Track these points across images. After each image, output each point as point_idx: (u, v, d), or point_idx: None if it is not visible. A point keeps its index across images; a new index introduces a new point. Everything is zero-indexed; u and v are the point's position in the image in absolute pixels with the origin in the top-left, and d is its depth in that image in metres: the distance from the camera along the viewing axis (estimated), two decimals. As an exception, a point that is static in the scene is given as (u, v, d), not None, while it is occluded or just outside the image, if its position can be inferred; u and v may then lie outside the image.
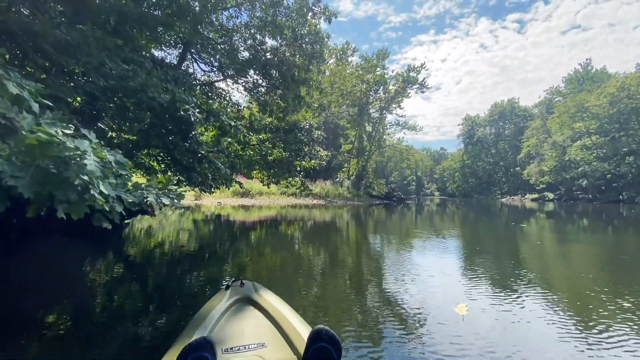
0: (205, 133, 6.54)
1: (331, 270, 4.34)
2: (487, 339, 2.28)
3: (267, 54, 8.60)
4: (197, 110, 4.12)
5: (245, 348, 1.37)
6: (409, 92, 29.50)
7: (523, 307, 2.91)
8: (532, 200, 45.56)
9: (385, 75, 29.05)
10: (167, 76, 4.81)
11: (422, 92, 29.03)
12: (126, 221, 8.77)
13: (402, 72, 28.94)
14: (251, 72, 9.88)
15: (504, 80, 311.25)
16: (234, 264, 4.61)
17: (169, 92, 3.91)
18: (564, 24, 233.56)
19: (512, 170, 61.09)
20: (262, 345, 1.40)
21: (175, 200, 3.04)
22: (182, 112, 4.23)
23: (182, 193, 3.15)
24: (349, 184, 28.91)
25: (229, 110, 9.14)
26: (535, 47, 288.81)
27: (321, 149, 14.22)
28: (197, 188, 6.19)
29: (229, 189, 6.99)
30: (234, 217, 12.45)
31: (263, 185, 14.22)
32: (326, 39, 10.57)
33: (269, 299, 1.83)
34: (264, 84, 9.20)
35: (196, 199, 19.08)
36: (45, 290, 3.27)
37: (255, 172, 13.96)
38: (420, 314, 2.74)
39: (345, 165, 31.45)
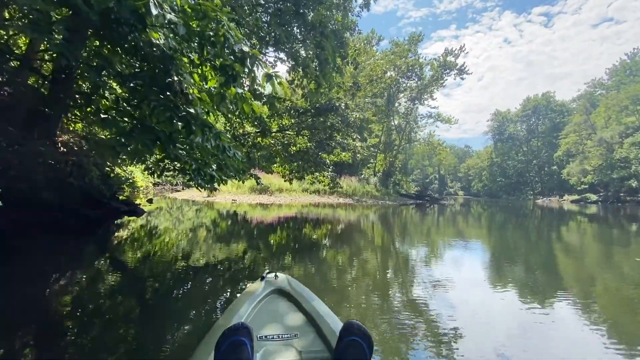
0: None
1: (363, 279, 3.95)
2: (517, 345, 2.23)
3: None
4: (171, 13, 2.08)
5: (278, 337, 1.39)
6: (446, 79, 26.67)
7: (559, 318, 2.76)
8: (572, 202, 41.61)
9: (420, 59, 26.27)
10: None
11: (462, 78, 26.12)
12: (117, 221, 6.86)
13: (439, 56, 26.13)
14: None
15: (529, 75, 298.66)
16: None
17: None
18: (594, 17, 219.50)
19: (546, 169, 56.77)
20: (295, 335, 1.40)
21: None
22: (151, 38, 2.17)
23: None
24: (375, 181, 26.41)
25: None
26: (563, 41, 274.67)
27: (358, 137, 11.92)
28: (193, 182, 4.11)
29: (242, 182, 4.90)
30: (254, 218, 10.39)
31: (285, 181, 12.19)
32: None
33: (302, 292, 1.83)
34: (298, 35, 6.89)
35: (208, 196, 17.24)
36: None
37: (275, 165, 11.92)
38: (451, 319, 2.64)
39: (372, 160, 28.94)
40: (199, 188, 4.29)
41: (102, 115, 2.66)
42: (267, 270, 2.11)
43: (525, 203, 37.71)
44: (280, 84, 2.59)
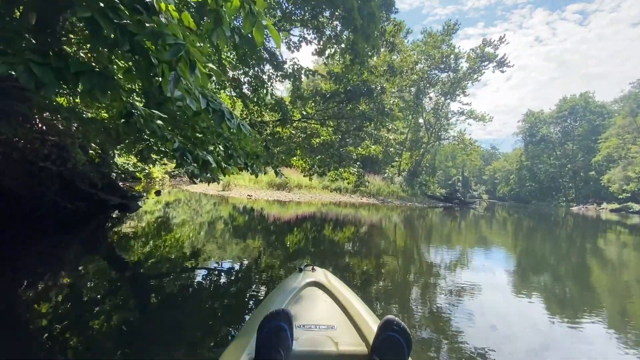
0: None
1: (387, 283, 3.69)
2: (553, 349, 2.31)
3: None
4: None
5: (316, 327, 1.39)
6: (484, 72, 24.48)
7: (590, 335, 2.65)
8: (611, 211, 38.30)
9: (456, 50, 24.19)
10: None
11: (502, 71, 23.89)
12: (115, 215, 5.79)
13: (476, 47, 24.00)
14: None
15: (562, 75, 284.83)
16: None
17: None
18: (634, 15, 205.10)
19: (582, 174, 52.98)
20: (332, 327, 1.41)
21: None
22: None
23: None
24: (400, 181, 24.71)
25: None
26: (599, 40, 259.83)
27: (393, 127, 10.52)
28: (186, 169, 2.94)
29: (256, 175, 3.72)
30: (272, 216, 9.19)
31: (304, 176, 10.97)
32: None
33: (339, 286, 1.84)
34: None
35: (223, 190, 16.24)
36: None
37: (295, 158, 10.67)
38: (477, 329, 2.61)
39: (397, 159, 27.18)
40: (193, 179, 3.12)
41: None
42: (305, 263, 2.12)
43: (558, 210, 34.98)
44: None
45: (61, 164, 4.79)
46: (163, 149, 2.87)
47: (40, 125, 4.83)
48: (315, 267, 2.05)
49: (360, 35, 4.97)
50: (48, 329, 2.12)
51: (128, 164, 15.13)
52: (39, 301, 2.56)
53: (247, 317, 2.36)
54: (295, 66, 6.97)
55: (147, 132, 2.39)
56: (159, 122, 2.28)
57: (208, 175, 3.06)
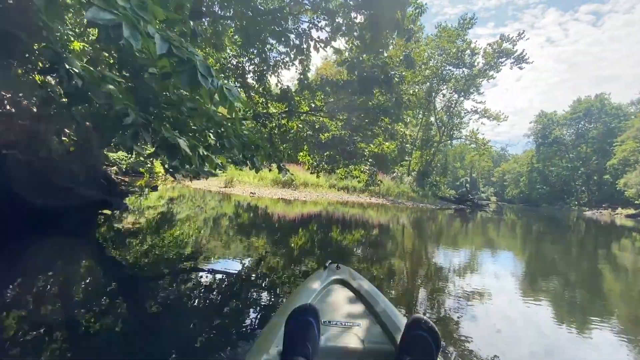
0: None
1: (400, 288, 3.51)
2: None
3: None
4: None
5: (342, 324, 1.39)
6: (501, 69, 23.45)
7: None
8: (627, 216, 36.91)
9: (472, 44, 23.18)
10: None
11: (520, 67, 22.80)
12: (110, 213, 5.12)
13: (493, 42, 22.94)
14: None
15: (573, 77, 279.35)
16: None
17: None
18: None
19: (595, 178, 51.44)
20: (358, 324, 1.40)
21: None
22: None
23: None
24: (410, 181, 23.82)
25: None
26: (612, 42, 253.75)
27: (412, 120, 9.75)
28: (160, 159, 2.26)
29: (256, 171, 2.93)
30: (278, 217, 8.48)
31: (311, 173, 10.24)
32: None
33: (363, 284, 1.83)
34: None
35: (226, 186, 15.60)
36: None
37: (301, 154, 9.96)
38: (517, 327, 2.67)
39: (406, 158, 26.26)
40: (173, 175, 2.44)
41: None
42: (330, 261, 2.09)
43: (570, 214, 33.85)
44: None
45: (31, 153, 4.13)
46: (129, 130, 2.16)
47: (10, 107, 4.17)
48: (340, 265, 2.05)
49: (385, 5, 4.21)
50: (23, 337, 1.88)
51: (129, 157, 14.56)
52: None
53: (263, 315, 2.39)
54: (304, 37, 6.25)
55: (97, 102, 1.68)
56: (111, 87, 1.56)
57: (193, 167, 2.34)
